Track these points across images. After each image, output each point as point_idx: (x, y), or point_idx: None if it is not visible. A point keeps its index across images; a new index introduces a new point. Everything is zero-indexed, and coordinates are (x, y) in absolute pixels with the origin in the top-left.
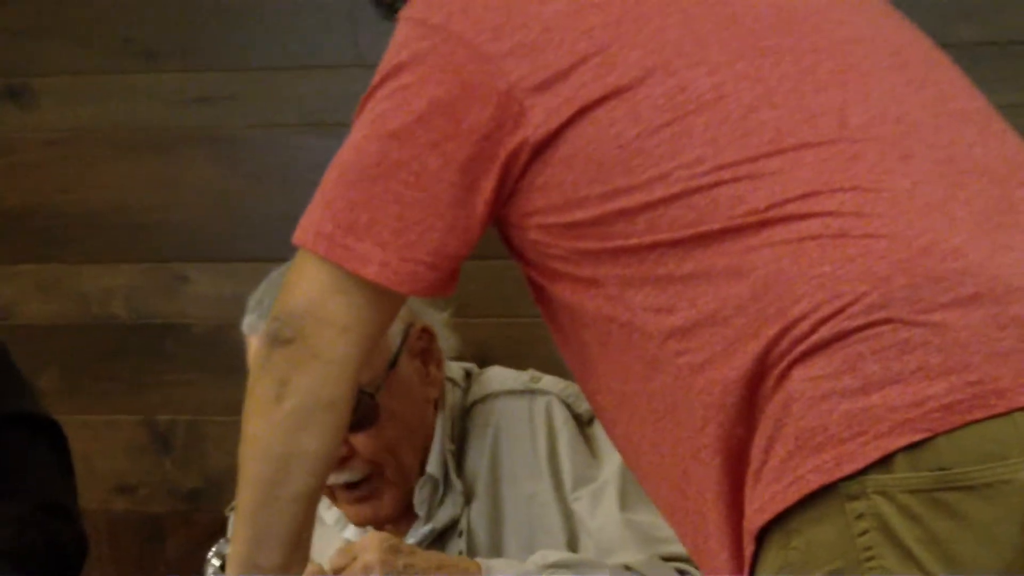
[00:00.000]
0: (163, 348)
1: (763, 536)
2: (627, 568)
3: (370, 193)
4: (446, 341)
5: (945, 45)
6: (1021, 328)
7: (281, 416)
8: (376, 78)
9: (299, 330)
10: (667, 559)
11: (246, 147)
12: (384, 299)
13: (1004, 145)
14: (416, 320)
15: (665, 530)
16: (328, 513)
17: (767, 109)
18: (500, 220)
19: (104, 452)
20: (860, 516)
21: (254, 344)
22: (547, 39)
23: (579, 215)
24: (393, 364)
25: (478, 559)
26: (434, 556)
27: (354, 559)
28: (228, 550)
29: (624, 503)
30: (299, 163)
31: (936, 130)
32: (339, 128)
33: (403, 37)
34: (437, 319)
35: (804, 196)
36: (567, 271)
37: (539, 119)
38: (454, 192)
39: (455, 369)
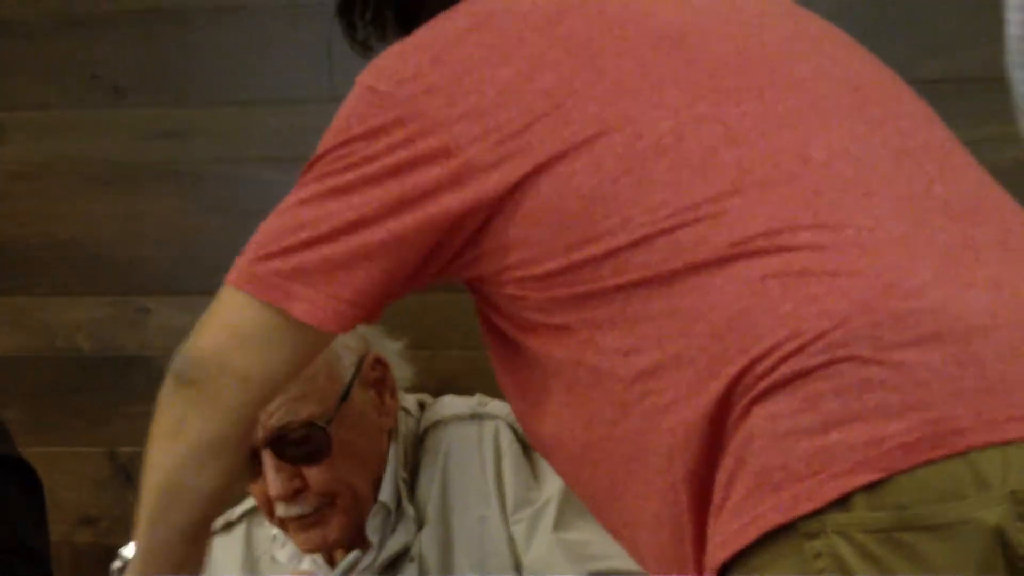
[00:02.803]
0: (126, 381)
1: (725, 573)
2: None
3: (304, 238)
4: (401, 371)
5: (912, 82)
6: (981, 366)
7: (175, 451)
8: (325, 144)
9: (202, 374)
10: (600, 574)
11: (212, 182)
12: (301, 342)
13: (966, 181)
14: (369, 351)
15: (597, 547)
16: (281, 552)
17: (728, 149)
18: (474, 282)
19: (67, 484)
20: (818, 555)
21: None
22: (501, 101)
23: (548, 266)
24: (345, 396)
25: None
26: None
27: None
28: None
29: (559, 523)
30: (265, 198)
31: (898, 167)
32: (304, 164)
33: (354, 106)
34: (391, 349)
35: (766, 234)
36: (540, 320)
37: (494, 179)
38: (388, 240)
39: (409, 400)
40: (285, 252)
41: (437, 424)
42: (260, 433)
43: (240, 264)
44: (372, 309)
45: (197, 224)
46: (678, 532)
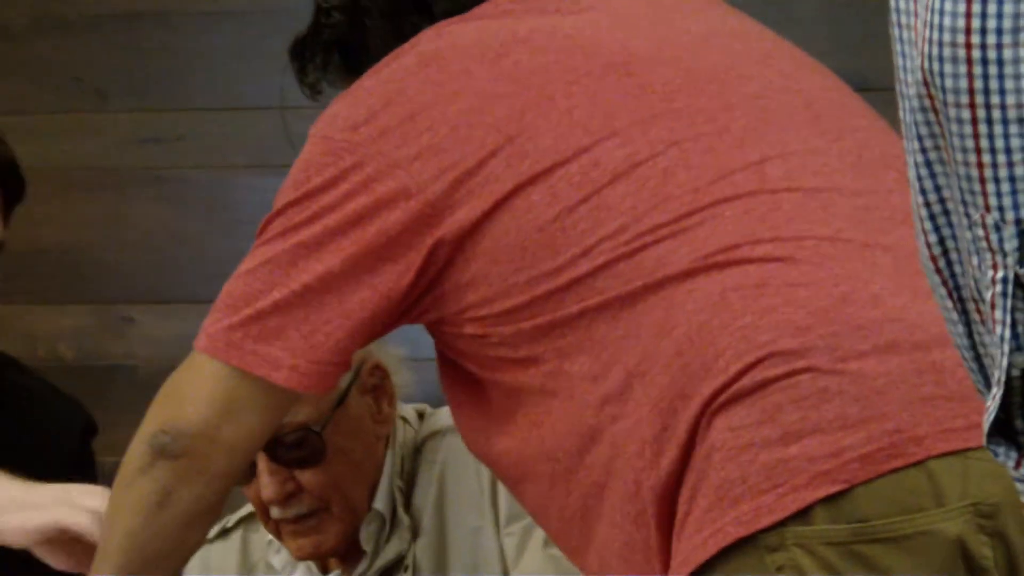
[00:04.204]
0: (109, 390)
1: None
2: None
3: (276, 299)
4: (401, 378)
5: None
6: (939, 374)
7: (162, 521)
8: (283, 199)
9: (188, 449)
10: None
11: (195, 187)
12: (284, 401)
13: None
14: (369, 357)
15: None
16: (276, 558)
17: (683, 171)
18: (434, 324)
19: None
20: (780, 568)
21: None
22: (454, 138)
23: (510, 302)
24: (341, 401)
25: None
26: None
27: None
28: None
29: (550, 539)
30: (247, 204)
31: (855, 179)
32: (288, 170)
33: (309, 156)
34: (392, 355)
35: (724, 249)
36: (505, 355)
37: (453, 217)
38: (362, 294)
39: (408, 410)
40: (259, 316)
41: (435, 434)
42: None
43: (212, 330)
44: (349, 360)
45: (181, 231)
46: (648, 556)
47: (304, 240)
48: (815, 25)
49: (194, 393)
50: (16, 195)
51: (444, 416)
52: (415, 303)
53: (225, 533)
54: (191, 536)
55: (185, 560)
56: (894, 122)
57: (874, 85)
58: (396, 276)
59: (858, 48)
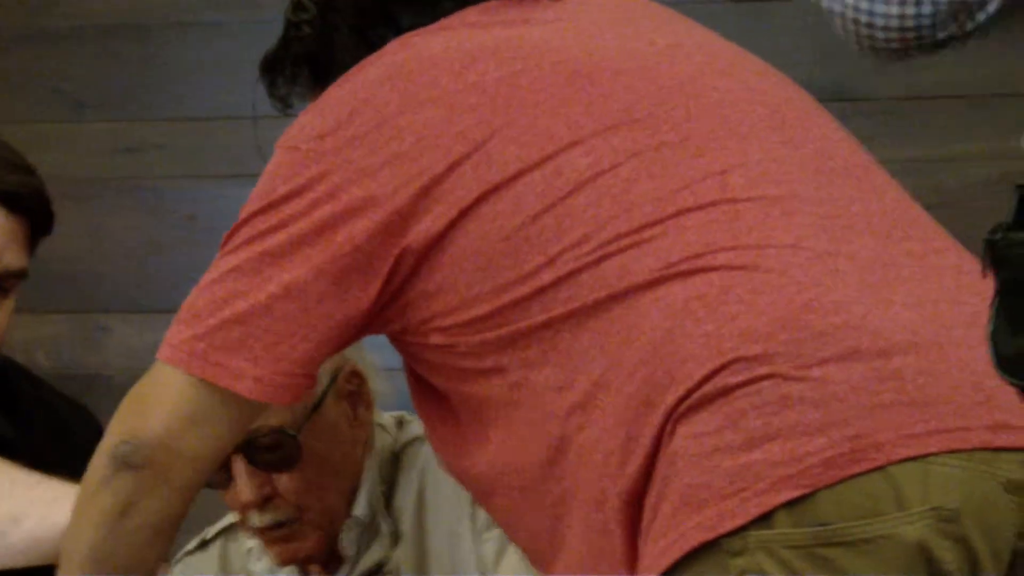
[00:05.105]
0: (85, 399)
1: None
2: None
3: (241, 309)
4: (379, 385)
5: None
6: (900, 382)
7: (124, 531)
8: (249, 209)
9: (150, 459)
10: None
11: (173, 197)
12: (248, 412)
13: (884, 200)
14: (346, 363)
15: None
16: (257, 565)
17: (646, 180)
18: (398, 334)
19: None
20: (742, 572)
21: None
22: (421, 146)
23: (475, 312)
24: (317, 406)
25: None
26: None
27: None
28: None
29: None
30: (224, 213)
31: (817, 187)
32: None
33: (276, 168)
34: (369, 362)
35: (688, 258)
36: (470, 366)
37: (420, 226)
38: (328, 304)
39: (386, 417)
40: (223, 326)
41: (414, 441)
42: None
43: (176, 340)
44: (315, 372)
45: (158, 241)
46: (615, 564)
47: (269, 249)
48: (792, 35)
49: (156, 403)
50: (44, 228)
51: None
52: (380, 312)
53: (204, 545)
54: (154, 548)
55: (151, 573)
56: (871, 131)
57: (851, 95)
58: (362, 285)
59: (835, 58)
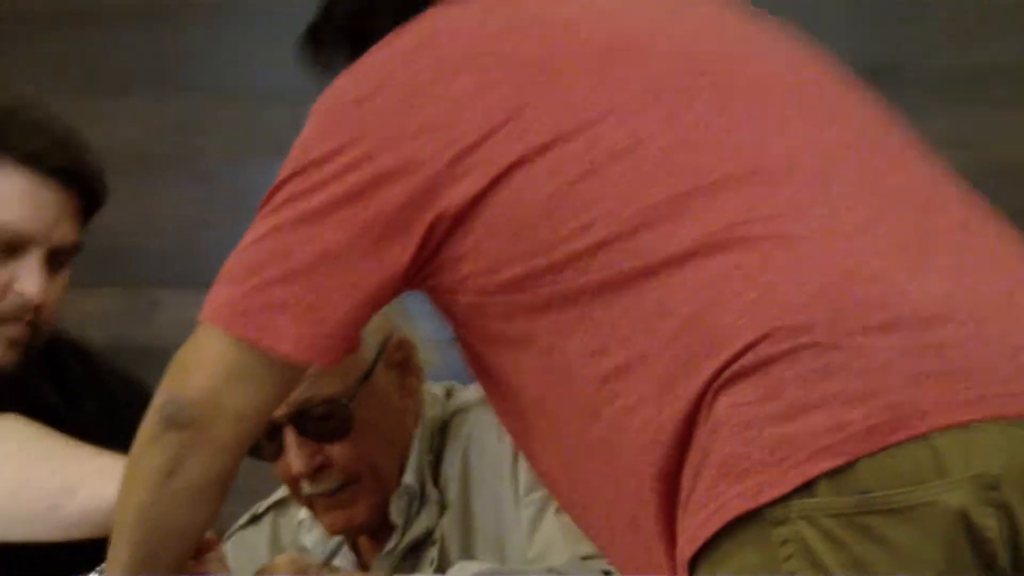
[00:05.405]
0: (136, 373)
1: (695, 564)
2: (550, 572)
3: (281, 270)
4: (428, 355)
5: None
6: (941, 350)
7: (171, 492)
8: (285, 172)
9: (195, 418)
10: (591, 558)
11: (221, 172)
12: (290, 373)
13: (922, 172)
14: (395, 332)
15: None
16: (308, 537)
17: (683, 150)
18: (431, 292)
19: None
20: (785, 542)
21: None
22: (455, 114)
23: (507, 274)
24: (368, 375)
25: None
26: None
27: None
28: None
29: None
30: None
31: (855, 159)
32: None
33: (312, 130)
34: (418, 332)
35: (726, 227)
36: (501, 330)
37: (454, 192)
38: (366, 266)
39: (436, 387)
40: (264, 286)
41: (462, 410)
42: (282, 409)
43: (218, 301)
44: (358, 335)
45: (206, 215)
46: (652, 534)
47: (307, 211)
48: (836, 4)
49: (200, 364)
50: (96, 202)
51: (470, 392)
52: (415, 273)
53: (256, 519)
54: (202, 510)
55: (199, 536)
56: (919, 102)
57: (898, 66)
58: (399, 249)
59: (875, 29)
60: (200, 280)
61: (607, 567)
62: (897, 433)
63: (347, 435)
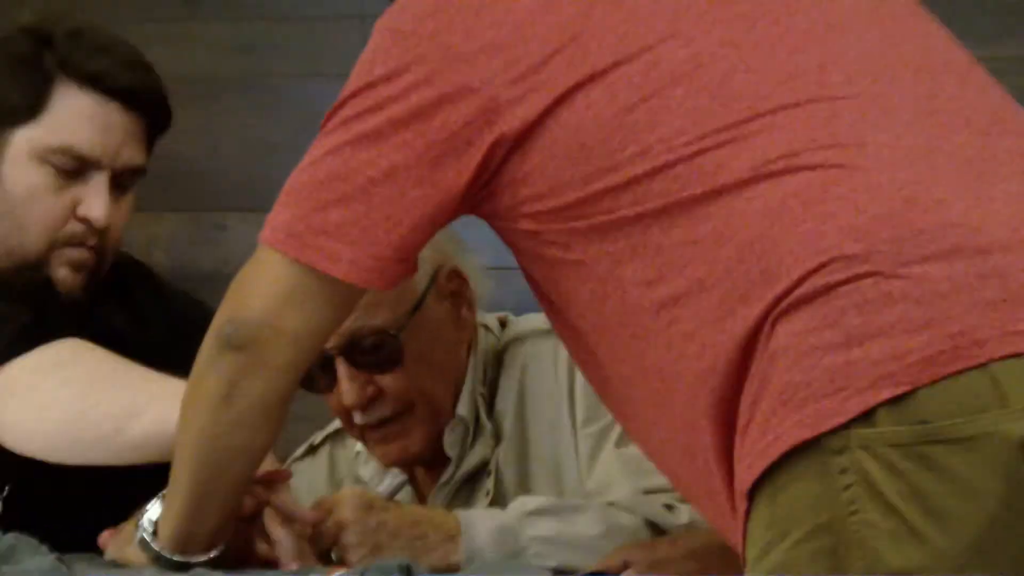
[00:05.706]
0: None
1: (754, 493)
2: (611, 505)
3: (339, 192)
4: (482, 286)
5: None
6: (1002, 279)
7: (229, 415)
8: (347, 90)
9: (252, 338)
10: (653, 491)
11: (287, 96)
12: (347, 296)
13: (985, 97)
14: (447, 262)
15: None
16: (364, 469)
17: (744, 74)
18: (489, 217)
19: None
20: (844, 471)
21: None
22: (518, 35)
23: (565, 198)
24: (418, 305)
25: (457, 511)
26: (409, 512)
27: (328, 513)
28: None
29: (622, 440)
30: None
31: (916, 84)
32: None
33: (375, 49)
34: (471, 263)
35: (785, 156)
36: (558, 256)
37: (515, 113)
38: (424, 189)
39: (490, 318)
40: (321, 208)
41: (516, 340)
42: (333, 340)
43: (276, 222)
44: (414, 259)
45: (273, 139)
46: (709, 460)
47: (366, 131)
48: None
49: (257, 285)
50: (161, 125)
51: (525, 322)
52: (472, 196)
53: (312, 450)
54: (261, 432)
55: (259, 458)
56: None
57: None
58: (457, 171)
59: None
60: (267, 205)
61: (669, 500)
62: (957, 362)
63: (398, 366)
